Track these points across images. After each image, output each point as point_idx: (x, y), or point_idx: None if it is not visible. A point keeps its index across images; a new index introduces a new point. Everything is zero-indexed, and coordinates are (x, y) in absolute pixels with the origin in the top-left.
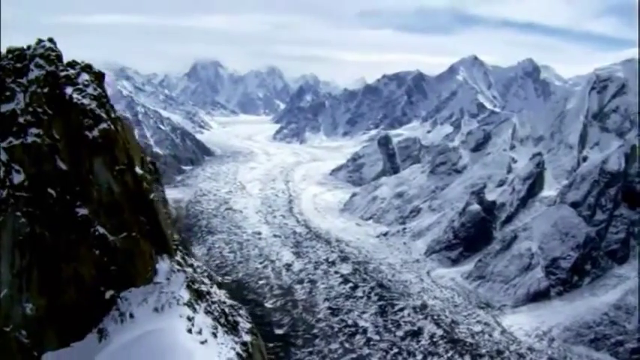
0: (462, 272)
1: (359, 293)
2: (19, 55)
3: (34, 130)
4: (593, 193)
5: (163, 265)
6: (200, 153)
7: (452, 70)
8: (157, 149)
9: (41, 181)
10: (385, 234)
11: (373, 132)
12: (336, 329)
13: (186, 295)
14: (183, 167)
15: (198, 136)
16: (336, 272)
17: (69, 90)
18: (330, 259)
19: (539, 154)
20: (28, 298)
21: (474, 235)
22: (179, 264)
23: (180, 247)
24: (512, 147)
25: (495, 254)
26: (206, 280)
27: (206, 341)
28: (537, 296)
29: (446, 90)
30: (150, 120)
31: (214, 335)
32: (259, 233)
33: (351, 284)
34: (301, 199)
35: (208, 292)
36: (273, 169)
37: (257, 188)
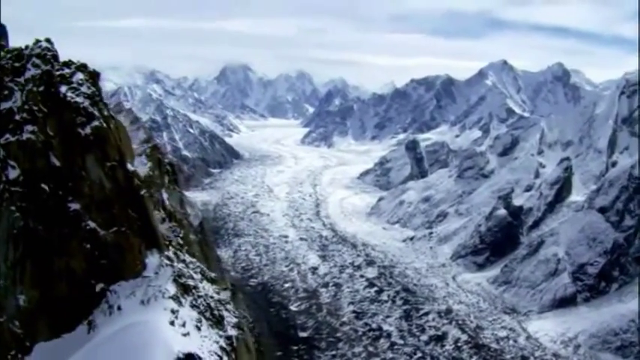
0: (488, 277)
1: (384, 297)
2: (17, 54)
3: (29, 128)
4: (621, 199)
5: (152, 259)
6: (228, 156)
7: (481, 75)
8: (185, 152)
9: (35, 176)
10: (411, 238)
11: (401, 136)
12: (360, 333)
13: (172, 289)
14: (212, 170)
15: (227, 140)
16: (361, 276)
17: (63, 88)
18: (356, 263)
19: (568, 158)
20: (21, 289)
21: (500, 240)
22: (169, 259)
23: (173, 243)
24: (541, 152)
25: (522, 259)
26: (195, 276)
27: (188, 334)
28: (564, 302)
29: (475, 94)
30: (179, 123)
31: (198, 328)
32: (286, 236)
33: (376, 288)
34: (328, 203)
35: (195, 287)
36: (301, 172)
37: (284, 192)
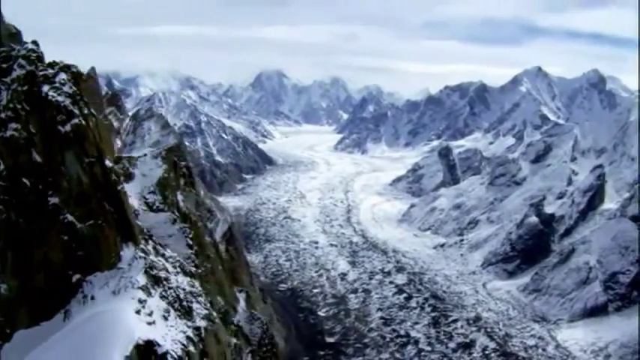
0: (518, 285)
1: (413, 304)
2: (5, 56)
3: (13, 125)
4: None
5: (127, 252)
6: (261, 162)
7: (515, 82)
8: (218, 158)
9: (17, 171)
10: (442, 245)
11: (435, 143)
12: (387, 339)
13: (142, 280)
14: (245, 176)
15: (261, 146)
16: (390, 282)
17: (45, 88)
18: (386, 269)
19: (601, 166)
20: (2, 279)
21: (531, 248)
22: (144, 252)
23: (146, 237)
24: (574, 159)
25: (552, 267)
26: (171, 269)
27: (154, 322)
28: (594, 311)
29: (509, 101)
30: (213, 129)
31: (165, 318)
32: (316, 242)
33: (405, 295)
34: (360, 209)
35: (167, 279)
36: (334, 179)
37: (316, 197)
